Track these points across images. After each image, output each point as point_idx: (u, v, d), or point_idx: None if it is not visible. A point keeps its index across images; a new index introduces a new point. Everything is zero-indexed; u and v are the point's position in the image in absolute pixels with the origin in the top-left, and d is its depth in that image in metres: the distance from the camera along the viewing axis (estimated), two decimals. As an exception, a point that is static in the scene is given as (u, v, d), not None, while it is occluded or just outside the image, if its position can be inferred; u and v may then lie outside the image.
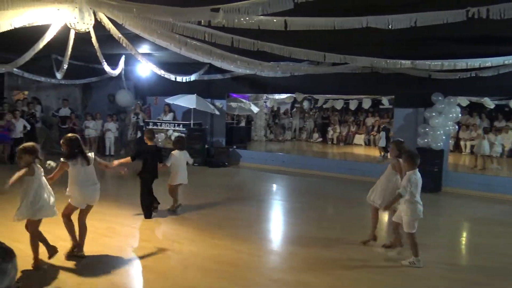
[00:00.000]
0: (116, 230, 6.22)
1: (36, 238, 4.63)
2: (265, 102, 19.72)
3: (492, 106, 14.61)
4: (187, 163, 7.44)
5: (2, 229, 5.74)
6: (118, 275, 4.62)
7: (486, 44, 7.45)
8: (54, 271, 4.58)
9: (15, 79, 13.58)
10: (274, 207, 8.59)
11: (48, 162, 4.76)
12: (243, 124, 19.01)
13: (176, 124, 13.31)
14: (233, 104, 16.30)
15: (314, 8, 4.34)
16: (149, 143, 6.92)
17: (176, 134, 12.38)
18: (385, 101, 18.31)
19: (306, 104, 20.85)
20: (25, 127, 12.07)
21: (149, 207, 6.81)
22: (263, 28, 4.63)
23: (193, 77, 11.14)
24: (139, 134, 13.78)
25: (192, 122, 13.01)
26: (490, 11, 3.95)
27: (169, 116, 13.98)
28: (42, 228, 4.69)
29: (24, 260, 4.43)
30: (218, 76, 12.64)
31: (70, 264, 4.79)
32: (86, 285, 4.29)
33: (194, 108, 12.65)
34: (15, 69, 9.97)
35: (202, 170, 12.03)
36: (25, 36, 7.04)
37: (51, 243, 4.79)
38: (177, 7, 4.68)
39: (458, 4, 4.13)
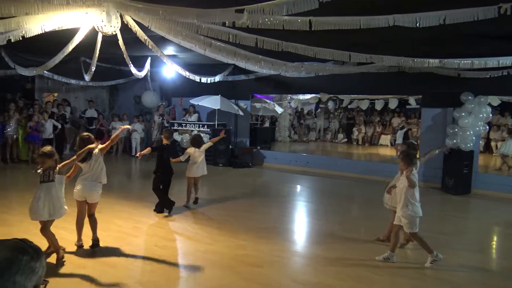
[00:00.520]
0: (142, 229, 6.32)
1: (52, 235, 4.73)
2: (289, 102, 19.66)
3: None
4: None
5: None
6: (143, 274, 4.70)
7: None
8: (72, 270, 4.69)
9: (45, 81, 13.99)
10: (298, 208, 8.53)
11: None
12: (267, 124, 19.03)
13: (200, 125, 13.43)
14: (257, 105, 16.32)
15: (339, 7, 4.28)
16: (165, 142, 7.15)
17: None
18: (412, 101, 17.98)
19: (331, 105, 20.70)
20: (55, 127, 12.41)
21: (164, 203, 6.98)
22: (288, 28, 4.60)
23: (217, 78, 11.19)
24: (164, 135, 13.94)
25: (216, 122, 13.09)
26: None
27: (194, 117, 14.12)
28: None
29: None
30: (242, 77, 12.68)
31: (92, 262, 4.89)
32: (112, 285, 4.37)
33: (218, 109, 12.73)
34: (45, 72, 10.29)
35: (226, 171, 12.09)
36: (55, 40, 7.26)
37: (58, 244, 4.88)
38: (201, 8, 4.71)
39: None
